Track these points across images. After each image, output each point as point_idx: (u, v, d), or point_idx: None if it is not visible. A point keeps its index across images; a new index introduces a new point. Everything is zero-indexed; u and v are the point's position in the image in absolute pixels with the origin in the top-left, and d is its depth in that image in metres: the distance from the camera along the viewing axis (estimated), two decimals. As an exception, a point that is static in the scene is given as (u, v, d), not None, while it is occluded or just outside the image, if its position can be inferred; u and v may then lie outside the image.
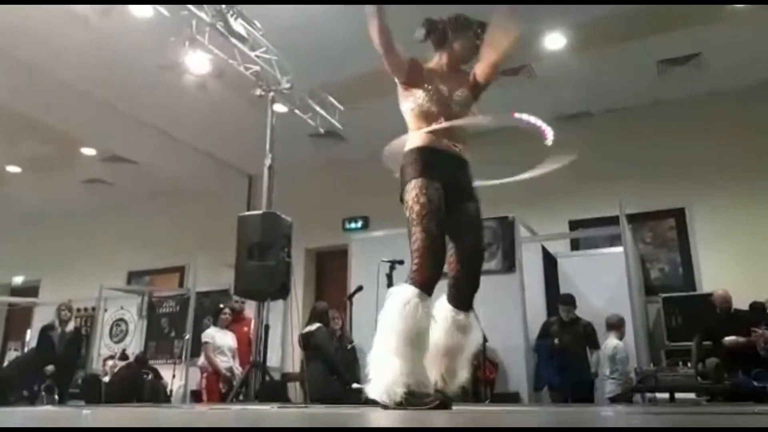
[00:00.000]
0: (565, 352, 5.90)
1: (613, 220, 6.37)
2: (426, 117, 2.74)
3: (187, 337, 7.92)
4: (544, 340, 6.03)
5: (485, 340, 5.36)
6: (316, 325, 5.93)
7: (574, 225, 7.60)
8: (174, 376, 7.59)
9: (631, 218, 6.79)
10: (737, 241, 6.84)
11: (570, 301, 6.16)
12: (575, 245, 7.62)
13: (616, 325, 6.06)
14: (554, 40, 6.48)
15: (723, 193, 7.05)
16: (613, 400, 5.74)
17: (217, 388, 6.60)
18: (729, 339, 5.58)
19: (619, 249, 6.33)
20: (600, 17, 6.07)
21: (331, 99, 7.05)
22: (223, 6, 5.47)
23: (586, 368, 5.98)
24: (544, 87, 7.34)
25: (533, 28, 6.33)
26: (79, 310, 9.22)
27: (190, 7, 5.31)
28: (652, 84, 7.29)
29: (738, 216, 6.92)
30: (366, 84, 7.11)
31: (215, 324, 6.91)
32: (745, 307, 5.85)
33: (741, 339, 5.55)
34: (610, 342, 6.01)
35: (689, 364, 5.52)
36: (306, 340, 5.80)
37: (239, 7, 5.59)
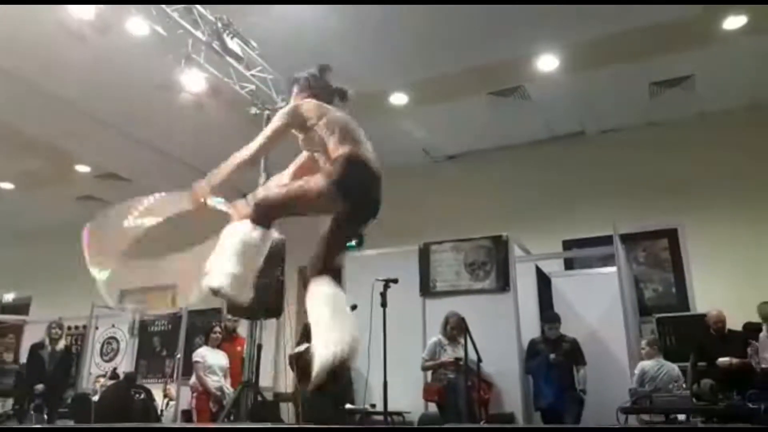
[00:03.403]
0: (557, 369, 5.89)
1: (607, 240, 6.39)
2: None
3: (178, 356, 7.84)
4: (535, 359, 6.01)
5: (479, 359, 5.36)
6: (306, 345, 5.87)
7: (567, 245, 7.61)
8: (165, 396, 7.50)
9: (625, 238, 6.80)
10: (730, 261, 6.86)
11: (555, 318, 6.17)
12: (569, 265, 7.63)
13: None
14: (547, 62, 6.55)
15: (716, 213, 7.09)
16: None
17: (208, 407, 6.52)
18: (723, 360, 5.59)
19: (613, 269, 6.35)
20: (593, 39, 6.15)
21: (326, 118, 7.07)
22: (220, 25, 5.51)
23: (574, 385, 5.96)
24: (537, 108, 7.41)
25: (527, 50, 6.41)
26: (69, 328, 9.12)
27: (187, 25, 5.34)
28: (644, 105, 7.37)
29: (731, 236, 6.95)
30: (359, 104, 7.16)
31: (207, 343, 6.85)
32: (738, 327, 5.86)
33: (735, 360, 5.56)
34: (672, 365, 5.87)
35: (684, 385, 5.50)
36: (296, 360, 5.74)
37: (235, 26, 5.63)
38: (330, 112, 2.74)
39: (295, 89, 2.97)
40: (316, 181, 2.52)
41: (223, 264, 2.52)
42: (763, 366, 5.47)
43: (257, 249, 2.57)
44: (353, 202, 2.53)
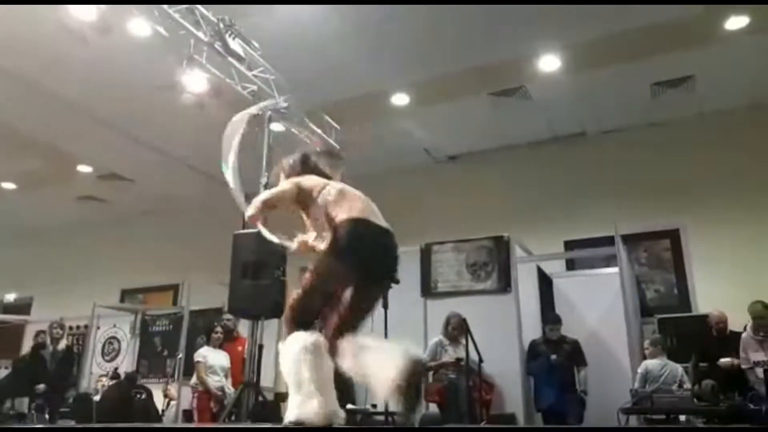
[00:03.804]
0: (558, 370, 5.89)
1: (609, 241, 6.38)
2: None
3: (179, 356, 7.85)
4: (536, 360, 6.01)
5: (481, 360, 5.36)
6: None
7: (569, 245, 7.60)
8: (165, 396, 7.51)
9: (626, 239, 6.79)
10: (732, 261, 6.85)
11: (556, 319, 6.19)
12: (570, 265, 7.62)
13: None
14: (549, 62, 6.55)
15: (717, 213, 7.08)
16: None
17: (209, 407, 6.52)
18: (724, 361, 5.59)
19: (615, 269, 6.34)
20: (594, 39, 6.15)
21: (328, 118, 7.08)
22: (222, 26, 5.51)
23: (575, 386, 5.96)
24: (539, 108, 7.41)
25: (528, 50, 6.41)
26: (71, 328, 9.15)
27: (189, 26, 5.35)
28: (646, 105, 7.36)
29: (733, 237, 6.94)
30: (362, 105, 7.18)
31: (208, 343, 6.86)
32: (740, 328, 5.85)
33: (736, 361, 5.55)
34: (675, 365, 5.85)
35: (685, 386, 5.50)
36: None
37: (237, 26, 5.63)
38: (328, 183, 2.74)
39: (282, 175, 2.96)
40: (322, 262, 2.50)
41: (293, 398, 2.43)
42: (744, 366, 5.48)
43: (312, 357, 2.45)
44: (364, 264, 2.50)
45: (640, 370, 5.75)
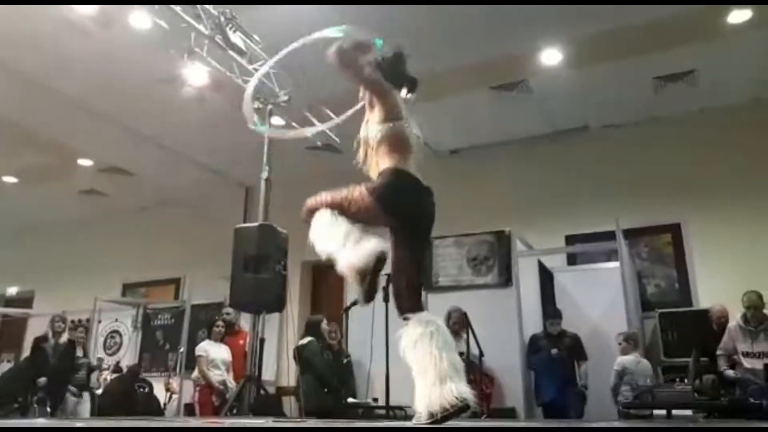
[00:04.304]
0: (558, 365, 5.90)
1: (610, 235, 6.39)
2: None
3: (181, 350, 7.87)
4: (537, 354, 6.02)
5: (481, 354, 5.37)
6: (308, 338, 5.91)
7: (570, 240, 7.61)
8: (167, 390, 7.53)
9: (628, 233, 6.80)
10: (733, 256, 6.85)
11: (556, 314, 6.21)
12: (572, 260, 7.63)
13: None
14: (551, 56, 6.53)
15: (719, 208, 7.07)
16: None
17: (210, 401, 6.54)
18: (726, 356, 5.59)
19: (616, 264, 6.35)
20: (596, 34, 6.12)
21: (329, 112, 7.06)
22: (223, 19, 5.50)
23: (575, 380, 5.98)
24: (540, 102, 7.39)
25: (530, 44, 6.39)
26: (73, 321, 9.15)
27: (190, 19, 5.34)
28: (648, 100, 7.34)
29: (734, 231, 6.94)
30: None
31: (209, 337, 6.87)
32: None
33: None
34: (646, 361, 5.86)
35: (686, 380, 5.50)
36: (298, 354, 5.78)
37: (238, 20, 5.62)
38: (398, 115, 2.65)
39: (362, 58, 2.75)
40: (360, 194, 2.51)
41: (340, 251, 2.46)
42: (719, 353, 5.47)
43: (344, 220, 2.53)
44: (398, 215, 2.52)
45: (616, 367, 5.73)
